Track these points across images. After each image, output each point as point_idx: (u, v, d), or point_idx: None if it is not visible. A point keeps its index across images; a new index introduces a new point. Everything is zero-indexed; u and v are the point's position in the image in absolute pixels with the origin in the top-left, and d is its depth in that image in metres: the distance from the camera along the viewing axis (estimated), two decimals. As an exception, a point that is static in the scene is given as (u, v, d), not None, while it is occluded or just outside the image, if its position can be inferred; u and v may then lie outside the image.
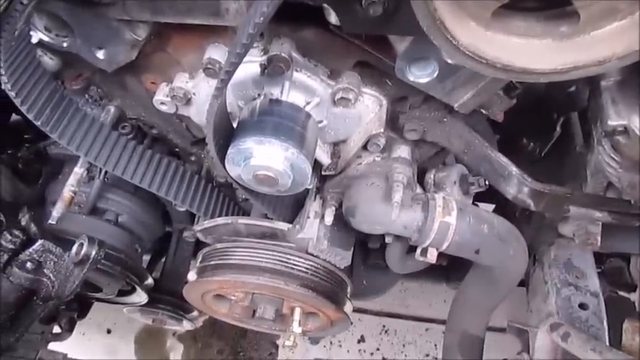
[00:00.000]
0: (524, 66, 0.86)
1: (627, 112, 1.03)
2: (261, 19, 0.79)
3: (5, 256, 1.31)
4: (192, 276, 1.42)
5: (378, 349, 2.95)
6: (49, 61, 1.31)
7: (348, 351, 2.93)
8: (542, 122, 1.60)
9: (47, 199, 1.65)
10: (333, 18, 1.00)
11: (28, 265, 1.34)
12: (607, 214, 1.33)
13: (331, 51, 1.14)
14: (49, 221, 1.44)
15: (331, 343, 2.93)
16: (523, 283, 1.73)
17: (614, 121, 1.03)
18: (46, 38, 1.17)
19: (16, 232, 1.35)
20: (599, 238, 1.38)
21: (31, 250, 1.35)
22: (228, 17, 1.02)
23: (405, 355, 2.94)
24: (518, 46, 0.87)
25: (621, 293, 1.92)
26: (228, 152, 1.09)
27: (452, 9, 0.80)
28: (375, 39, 1.09)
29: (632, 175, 1.12)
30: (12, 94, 1.06)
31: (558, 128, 1.59)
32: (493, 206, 1.77)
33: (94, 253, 1.30)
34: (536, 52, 0.87)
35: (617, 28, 0.83)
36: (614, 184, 1.21)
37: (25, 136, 1.68)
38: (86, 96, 1.47)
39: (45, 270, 1.36)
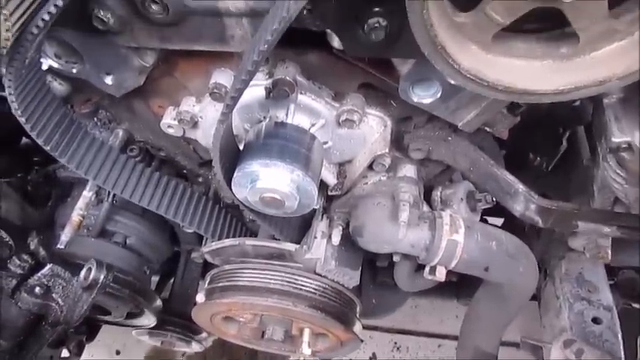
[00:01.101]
0: (525, 87, 0.87)
1: (630, 128, 1.03)
2: (266, 46, 0.80)
3: (14, 282, 1.32)
4: (200, 298, 1.42)
5: (390, 367, 2.93)
6: (59, 87, 1.33)
7: (360, 369, 2.91)
8: (549, 137, 1.60)
9: (56, 223, 1.66)
10: (336, 42, 1.02)
11: (37, 290, 1.35)
12: (616, 228, 1.32)
13: (335, 74, 1.15)
14: (58, 245, 1.45)
15: (342, 361, 2.91)
16: (536, 297, 1.71)
17: (617, 138, 1.04)
18: (56, 65, 1.19)
19: (25, 257, 1.36)
20: (609, 252, 1.37)
21: (39, 274, 1.36)
22: (233, 43, 1.03)
23: (418, 373, 2.91)
24: (520, 68, 0.88)
25: (635, 305, 1.90)
26: (235, 175, 1.10)
27: (452, 34, 0.81)
28: (378, 61, 1.10)
29: (638, 190, 1.12)
30: (22, 119, 1.08)
31: (564, 142, 1.59)
32: (502, 220, 1.76)
33: (102, 277, 1.31)
34: (537, 74, 0.88)
35: (617, 48, 0.85)
36: (621, 199, 1.21)
37: (35, 160, 1.71)
38: (95, 119, 1.49)
39: (54, 295, 1.37)
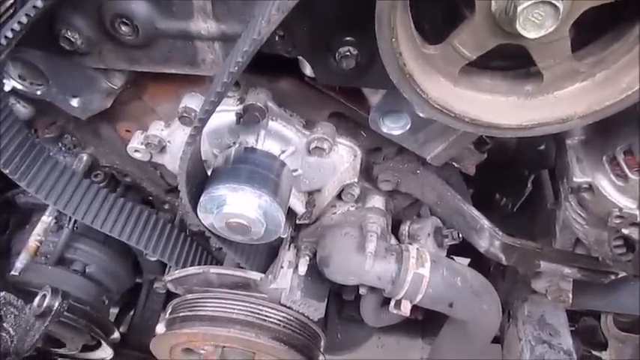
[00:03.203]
0: (490, 121, 0.89)
1: (591, 169, 1.06)
2: (236, 68, 0.80)
3: (-37, 311, 1.26)
4: (160, 328, 1.38)
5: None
6: (22, 109, 1.30)
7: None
8: (515, 179, 1.64)
9: (12, 249, 1.60)
10: (308, 70, 1.03)
11: (-13, 319, 1.29)
12: (576, 270, 1.34)
13: (306, 102, 1.16)
14: (12, 272, 1.39)
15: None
16: (499, 340, 1.71)
17: (579, 178, 1.07)
18: (19, 86, 1.16)
19: (-24, 285, 1.30)
20: (570, 295, 1.40)
21: (-10, 303, 1.30)
22: (204, 67, 1.03)
23: (382, 414, 2.84)
24: (485, 102, 0.90)
25: (595, 353, 1.92)
26: (201, 199, 1.08)
27: (421, 64, 0.83)
28: (349, 91, 1.12)
29: (598, 232, 1.15)
30: None
31: (529, 185, 1.63)
32: (468, 260, 1.77)
33: (57, 304, 1.26)
34: (502, 109, 0.90)
35: (579, 88, 0.88)
36: (582, 240, 1.24)
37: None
38: (59, 144, 1.46)
39: (4, 324, 1.31)
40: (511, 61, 0.91)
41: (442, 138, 1.14)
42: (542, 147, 1.52)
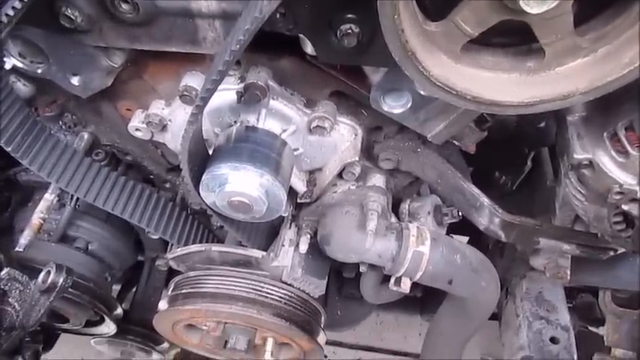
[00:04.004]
0: (492, 98, 0.89)
1: (592, 146, 1.06)
2: (238, 46, 0.80)
3: (-31, 285, 1.27)
4: (163, 305, 1.40)
5: (352, 383, 2.91)
6: (23, 88, 1.30)
7: (322, 385, 2.87)
8: (514, 156, 1.64)
9: (15, 227, 1.61)
10: (309, 48, 1.02)
11: (-8, 294, 1.30)
12: (575, 246, 1.35)
13: (307, 80, 1.16)
14: (16, 249, 1.40)
15: (305, 376, 2.87)
16: (496, 317, 1.74)
17: (579, 155, 1.07)
18: (20, 64, 1.16)
19: (-19, 261, 1.32)
20: (568, 272, 1.41)
21: (-5, 278, 1.31)
22: (205, 45, 1.03)
23: (380, 390, 2.90)
24: (487, 80, 0.90)
25: (592, 329, 1.94)
26: (203, 178, 1.08)
27: (423, 41, 0.82)
28: (350, 69, 1.11)
29: (598, 208, 1.15)
30: None
31: (529, 162, 1.63)
32: (467, 238, 1.79)
33: (61, 280, 1.27)
34: (504, 86, 0.90)
35: (581, 64, 0.87)
36: (581, 216, 1.24)
37: (-5, 164, 1.66)
38: (60, 123, 1.46)
39: (10, 299, 1.32)
40: (513, 37, 0.91)
41: (443, 116, 1.14)
42: (542, 124, 1.52)
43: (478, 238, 1.65)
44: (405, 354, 2.95)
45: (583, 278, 1.55)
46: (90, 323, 1.71)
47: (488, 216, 1.34)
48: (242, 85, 1.12)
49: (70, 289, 1.34)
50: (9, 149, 1.14)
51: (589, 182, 1.11)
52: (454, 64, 0.87)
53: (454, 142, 1.28)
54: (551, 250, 1.39)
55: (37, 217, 1.44)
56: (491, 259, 1.36)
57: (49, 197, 1.45)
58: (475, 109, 0.94)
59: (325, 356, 1.48)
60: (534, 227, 1.33)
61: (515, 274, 1.69)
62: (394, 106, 1.12)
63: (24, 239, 1.41)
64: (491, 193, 1.36)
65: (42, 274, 1.28)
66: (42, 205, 1.45)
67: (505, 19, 0.78)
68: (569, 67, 0.88)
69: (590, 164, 1.07)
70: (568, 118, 1.11)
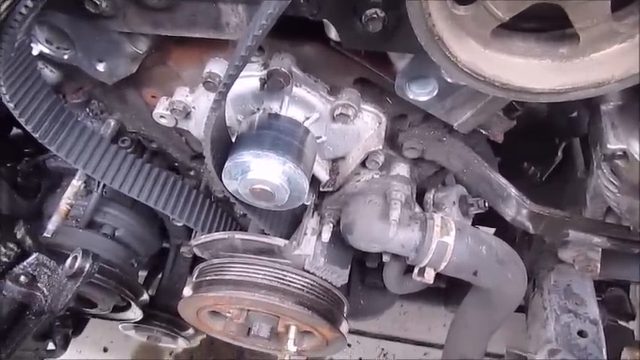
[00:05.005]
0: (522, 85, 0.87)
1: (626, 136, 1.03)
2: (260, 31, 0.79)
3: (-1, 270, 1.30)
4: (187, 292, 1.41)
5: (376, 373, 2.90)
6: (50, 74, 1.31)
7: (346, 374, 2.88)
8: (544, 147, 1.60)
9: (44, 213, 1.64)
10: (333, 34, 1.01)
11: (22, 278, 1.33)
12: (606, 239, 1.31)
13: (331, 67, 1.14)
14: (45, 234, 1.43)
15: (329, 365, 2.89)
16: (522, 310, 1.71)
17: (613, 145, 1.04)
18: (47, 50, 1.17)
19: (11, 246, 1.35)
20: (598, 265, 1.37)
21: (25, 263, 1.35)
22: (228, 31, 1.02)
23: (404, 379, 2.89)
24: (517, 66, 0.87)
25: (621, 323, 1.90)
26: (226, 166, 1.08)
27: (451, 26, 0.80)
28: (375, 56, 1.09)
29: (631, 200, 1.12)
30: (11, 105, 1.06)
31: (560, 153, 1.59)
32: (493, 230, 1.75)
33: (88, 266, 1.29)
34: (535, 72, 0.87)
35: (617, 50, 0.84)
36: (613, 208, 1.21)
37: (25, 150, 1.69)
38: (87, 110, 1.48)
39: (39, 284, 1.36)
40: (545, 22, 0.87)
41: (470, 104, 1.11)
42: (574, 114, 1.47)
43: (505, 230, 1.62)
44: (429, 345, 2.93)
45: (613, 272, 1.51)
46: (117, 309, 1.74)
47: (516, 207, 1.31)
48: (265, 71, 1.11)
49: (96, 275, 1.37)
50: (36, 135, 1.16)
51: (622, 173, 1.07)
52: (483, 50, 0.85)
53: (481, 131, 1.25)
54: (581, 243, 1.35)
55: (64, 203, 1.46)
56: (519, 251, 1.33)
57: (76, 184, 1.47)
58: (504, 97, 0.92)
59: (349, 345, 1.47)
60: (564, 219, 1.30)
61: (543, 267, 1.65)
62: (420, 93, 1.10)
63: (52, 225, 1.43)
64: (519, 184, 1.33)
65: (69, 260, 1.30)
66: (69, 192, 1.46)
67: (538, 2, 0.75)
68: (605, 54, 0.85)
69: (624, 155, 1.04)
70: (602, 107, 1.08)
